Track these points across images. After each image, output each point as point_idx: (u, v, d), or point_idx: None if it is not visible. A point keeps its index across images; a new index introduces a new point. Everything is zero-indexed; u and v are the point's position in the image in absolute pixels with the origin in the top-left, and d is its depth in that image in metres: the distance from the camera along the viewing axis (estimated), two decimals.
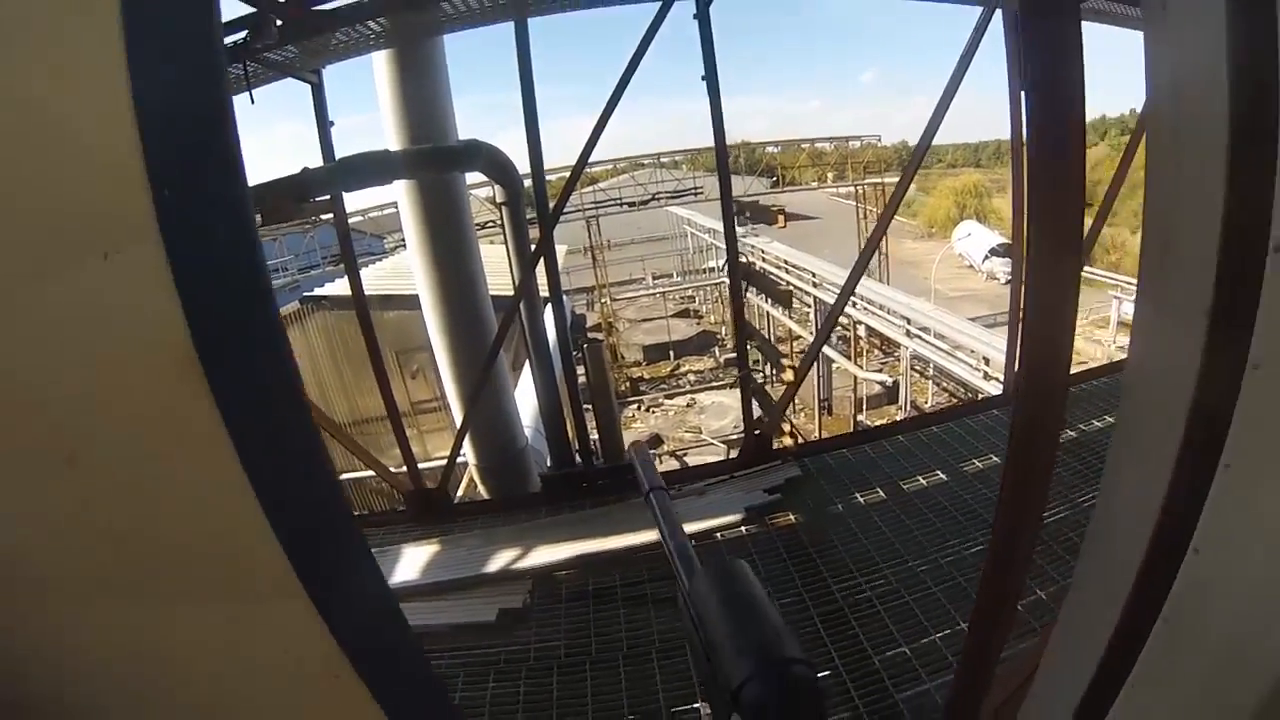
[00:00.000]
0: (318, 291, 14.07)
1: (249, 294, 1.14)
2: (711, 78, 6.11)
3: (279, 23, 5.56)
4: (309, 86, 6.42)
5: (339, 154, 6.38)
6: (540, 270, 6.84)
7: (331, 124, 6.45)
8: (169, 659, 1.26)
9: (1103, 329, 19.97)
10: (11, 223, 0.93)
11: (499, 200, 6.91)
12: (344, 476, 12.94)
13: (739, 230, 22.66)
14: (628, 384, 26.36)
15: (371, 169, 6.13)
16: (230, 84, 6.07)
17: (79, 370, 1.03)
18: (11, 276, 0.95)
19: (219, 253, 1.08)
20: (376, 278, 15.17)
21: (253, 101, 6.11)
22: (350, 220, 25.95)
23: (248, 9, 5.49)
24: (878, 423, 16.58)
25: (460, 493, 10.65)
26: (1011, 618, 2.62)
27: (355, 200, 27.59)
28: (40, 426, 1.04)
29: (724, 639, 1.05)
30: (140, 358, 1.05)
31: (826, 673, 4.40)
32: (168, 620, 1.22)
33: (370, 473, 9.81)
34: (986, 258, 33.27)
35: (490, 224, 19.74)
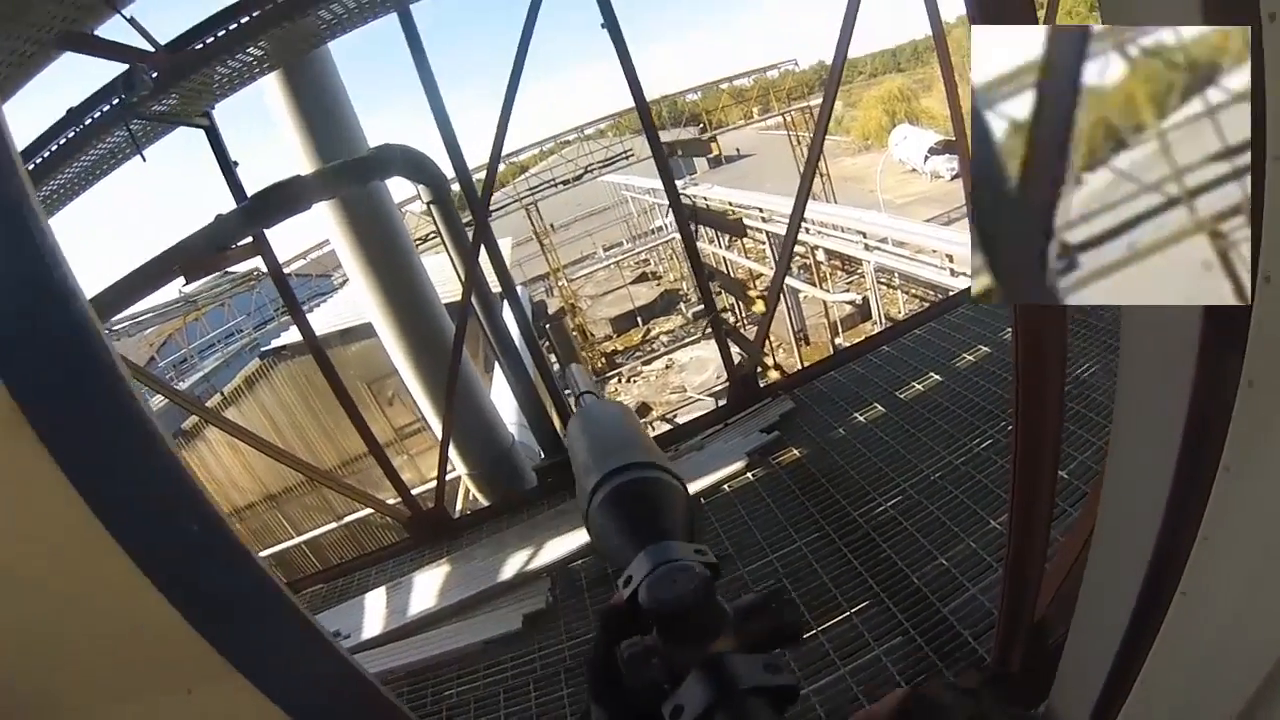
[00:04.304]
0: (275, 344, 13.83)
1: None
2: (611, 22, 5.86)
3: (153, 74, 5.24)
4: (203, 131, 6.12)
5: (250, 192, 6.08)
6: (487, 265, 6.62)
7: (236, 164, 6.15)
8: None
9: None
10: None
11: (426, 200, 6.66)
12: (346, 519, 12.89)
13: (678, 183, 22.48)
14: (603, 360, 26.20)
15: (286, 199, 5.84)
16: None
17: None
18: None
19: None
20: (332, 315, 14.92)
21: (144, 160, 5.84)
22: (292, 265, 25.74)
23: (118, 67, 5.17)
24: (855, 341, 16.44)
25: (459, 505, 10.50)
26: (1050, 509, 2.48)
27: (293, 244, 27.22)
28: None
29: (580, 467, 1.01)
30: None
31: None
32: None
33: (370, 510, 9.67)
34: (927, 158, 33.09)
35: (431, 235, 19.45)
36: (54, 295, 0.99)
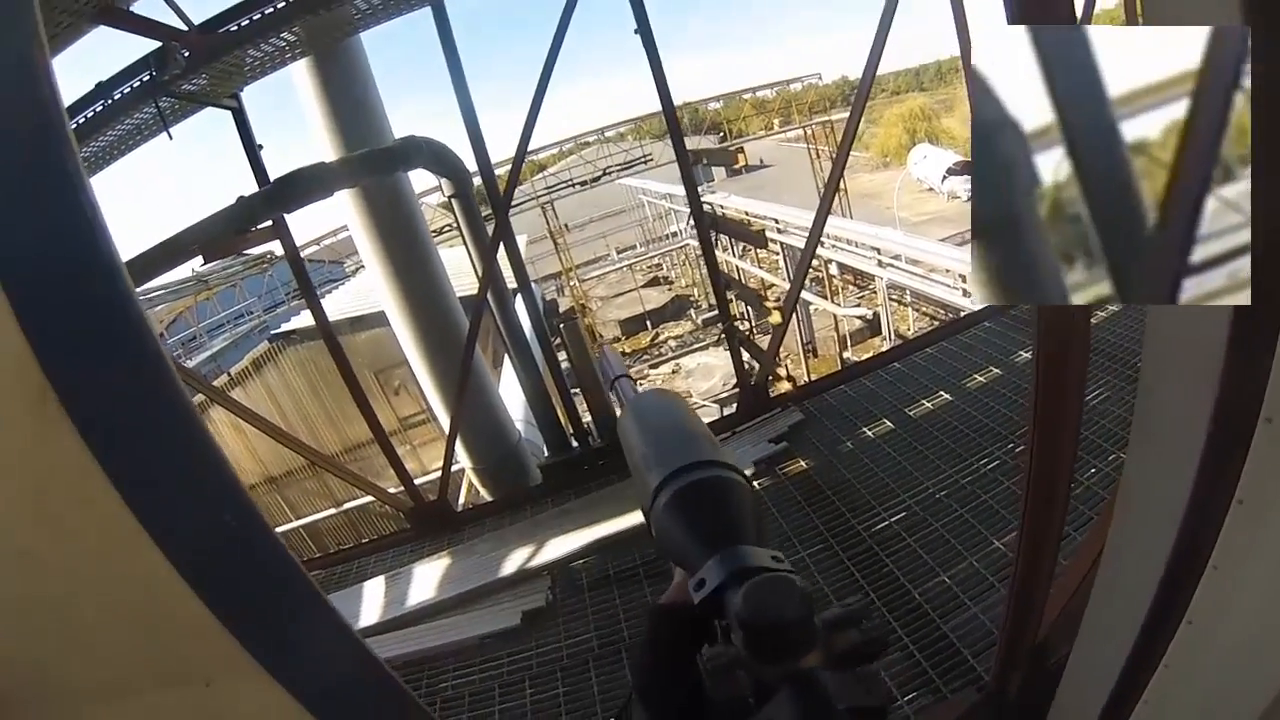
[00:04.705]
0: (284, 327, 13.85)
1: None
2: (644, 28, 5.89)
3: (185, 53, 5.28)
4: (230, 113, 6.15)
5: (273, 177, 6.11)
6: (504, 260, 6.65)
7: (260, 147, 6.17)
8: None
9: None
10: None
11: (447, 194, 6.68)
12: (346, 505, 12.91)
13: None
14: None
15: (309, 184, 5.88)
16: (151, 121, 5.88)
17: None
18: None
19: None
20: (343, 302, 14.95)
21: (170, 138, 5.87)
22: (306, 250, 25.77)
23: (149, 45, 5.22)
24: (864, 357, 16.49)
25: (462, 499, 10.50)
26: (1060, 531, 2.50)
27: (308, 229, 27.30)
28: None
29: (639, 461, 1.00)
30: None
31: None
32: None
33: (370, 498, 9.68)
34: (945, 178, 32.81)
35: (447, 228, 19.51)
36: (98, 269, 0.99)
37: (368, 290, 11.56)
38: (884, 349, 14.90)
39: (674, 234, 31.59)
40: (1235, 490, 1.42)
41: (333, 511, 13.26)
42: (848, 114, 7.09)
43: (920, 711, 3.65)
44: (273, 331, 14.45)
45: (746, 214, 22.19)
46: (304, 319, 13.23)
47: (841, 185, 23.38)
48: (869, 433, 6.12)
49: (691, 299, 30.53)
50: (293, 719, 1.14)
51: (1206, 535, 1.53)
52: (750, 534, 0.82)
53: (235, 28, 5.38)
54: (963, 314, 13.14)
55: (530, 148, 6.45)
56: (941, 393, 6.29)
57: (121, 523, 0.97)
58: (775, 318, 7.22)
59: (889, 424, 6.15)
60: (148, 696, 1.12)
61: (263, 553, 1.14)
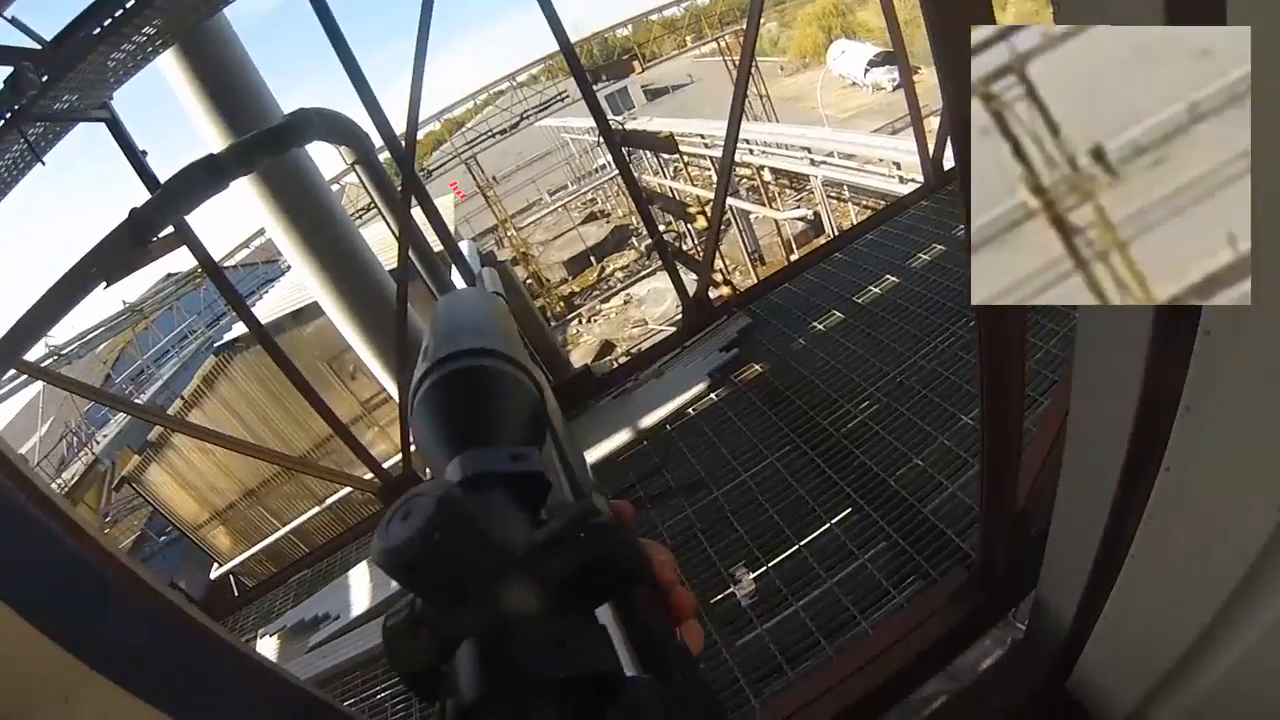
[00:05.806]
0: (227, 338, 13.56)
1: None
2: None
3: (42, 74, 4.92)
4: (104, 124, 5.80)
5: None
6: (427, 226, 6.42)
7: (144, 153, 5.84)
8: None
9: None
10: None
11: (348, 161, 6.40)
12: (328, 501, 12.76)
13: (615, 119, 22.11)
14: (560, 303, 26.03)
15: (201, 180, 5.54)
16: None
17: None
18: None
19: None
20: (281, 298, 14.63)
21: (44, 164, 5.53)
22: (236, 255, 25.19)
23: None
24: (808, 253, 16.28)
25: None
26: (1021, 397, 2.40)
27: (232, 235, 26.58)
28: None
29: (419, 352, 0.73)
30: None
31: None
32: None
33: (347, 488, 9.57)
34: (867, 70, 32.75)
35: (371, 206, 19.11)
36: None
37: (302, 283, 11.27)
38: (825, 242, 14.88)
39: (602, 166, 31.18)
40: (1199, 321, 1.29)
41: (317, 510, 13.11)
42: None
43: (913, 598, 3.61)
44: (216, 344, 14.13)
45: (672, 134, 21.90)
46: (244, 326, 12.92)
47: (763, 91, 23.22)
48: (820, 326, 6.06)
49: (631, 227, 30.21)
50: None
51: (1174, 374, 1.41)
52: (510, 433, 0.60)
53: (89, 34, 5.00)
54: (901, 197, 13.11)
55: (444, 105, 6.21)
56: (889, 276, 6.21)
57: None
58: (701, 223, 7.08)
59: (840, 315, 6.08)
60: None
61: (73, 562, 1.03)
